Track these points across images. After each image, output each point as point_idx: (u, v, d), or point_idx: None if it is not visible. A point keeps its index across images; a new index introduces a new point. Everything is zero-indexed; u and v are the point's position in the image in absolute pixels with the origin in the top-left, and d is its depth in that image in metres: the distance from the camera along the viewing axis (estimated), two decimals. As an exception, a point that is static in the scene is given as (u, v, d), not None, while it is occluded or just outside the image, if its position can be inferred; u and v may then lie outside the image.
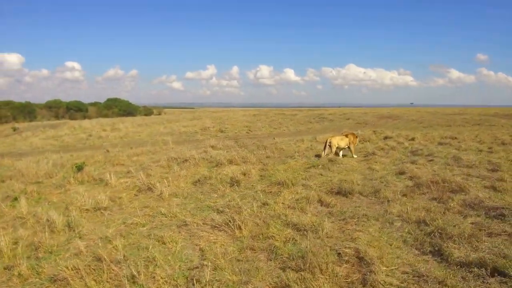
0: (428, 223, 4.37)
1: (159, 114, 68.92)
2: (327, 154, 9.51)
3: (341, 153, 9.97)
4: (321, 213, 5.04)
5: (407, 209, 4.94)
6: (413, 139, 13.40)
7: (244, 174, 7.95)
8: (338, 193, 6.26)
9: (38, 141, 16.58)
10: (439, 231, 3.96)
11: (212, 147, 13.67)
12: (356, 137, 10.41)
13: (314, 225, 4.28)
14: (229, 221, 4.39)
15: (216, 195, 6.33)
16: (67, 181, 7.51)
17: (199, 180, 7.47)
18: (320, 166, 8.76)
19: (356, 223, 4.59)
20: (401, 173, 7.44)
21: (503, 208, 4.58)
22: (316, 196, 5.75)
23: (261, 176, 8.11)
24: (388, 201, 5.54)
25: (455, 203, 5.02)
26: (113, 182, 7.19)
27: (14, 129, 23.26)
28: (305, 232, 4.15)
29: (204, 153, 11.31)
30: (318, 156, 9.79)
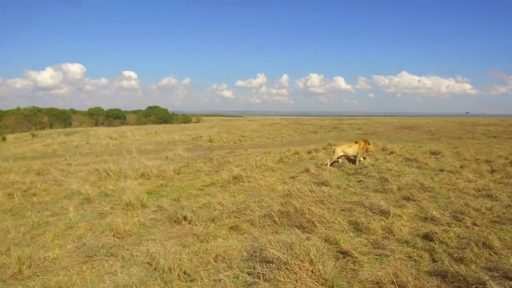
0: (164, 273, 3.24)
1: (197, 121, 71.43)
2: (335, 161, 9.14)
3: (340, 160, 9.22)
4: (88, 246, 4.14)
5: (181, 250, 3.81)
6: (391, 153, 11.45)
7: (123, 190, 7.28)
8: (176, 220, 5.26)
9: (31, 148, 17.80)
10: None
11: (167, 157, 13.31)
12: (369, 144, 9.61)
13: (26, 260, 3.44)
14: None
15: (48, 213, 5.74)
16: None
17: (66, 196, 6.98)
18: (219, 184, 7.74)
19: (99, 261, 3.64)
20: (284, 196, 6.12)
21: (271, 262, 3.22)
22: (127, 223, 4.84)
23: (147, 192, 7.35)
24: (195, 235, 4.42)
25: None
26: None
27: (33, 135, 25.56)
28: None
29: (138, 165, 10.91)
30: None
